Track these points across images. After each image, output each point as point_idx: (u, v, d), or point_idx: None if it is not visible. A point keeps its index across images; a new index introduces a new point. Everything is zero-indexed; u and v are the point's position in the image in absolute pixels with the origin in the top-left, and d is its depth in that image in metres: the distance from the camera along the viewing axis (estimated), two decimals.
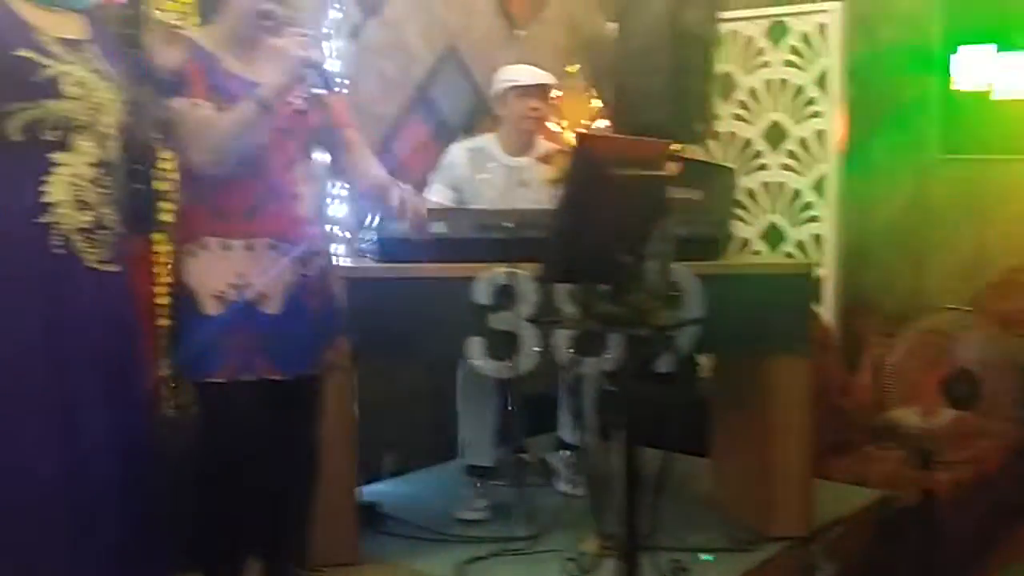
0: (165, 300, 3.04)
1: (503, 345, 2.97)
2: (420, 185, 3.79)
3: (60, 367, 2.11)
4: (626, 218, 2.16)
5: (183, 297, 2.48)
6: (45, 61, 2.07)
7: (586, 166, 2.09)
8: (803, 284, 3.30)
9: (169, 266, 2.78)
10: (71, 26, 2.19)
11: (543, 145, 3.73)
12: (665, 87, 4.09)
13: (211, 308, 2.43)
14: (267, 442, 2.53)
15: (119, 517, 2.20)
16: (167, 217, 3.09)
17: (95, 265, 2.16)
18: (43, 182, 2.08)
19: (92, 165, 2.15)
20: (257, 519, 2.61)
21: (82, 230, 2.13)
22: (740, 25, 4.86)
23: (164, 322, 3.03)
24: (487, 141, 3.70)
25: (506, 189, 3.63)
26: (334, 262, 2.70)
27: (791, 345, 3.17)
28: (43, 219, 2.08)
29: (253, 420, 2.49)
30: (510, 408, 3.75)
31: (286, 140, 2.48)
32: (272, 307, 2.47)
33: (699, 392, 3.72)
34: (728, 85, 4.86)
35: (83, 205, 2.13)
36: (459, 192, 3.61)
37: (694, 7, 4.08)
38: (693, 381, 3.78)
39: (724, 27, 4.50)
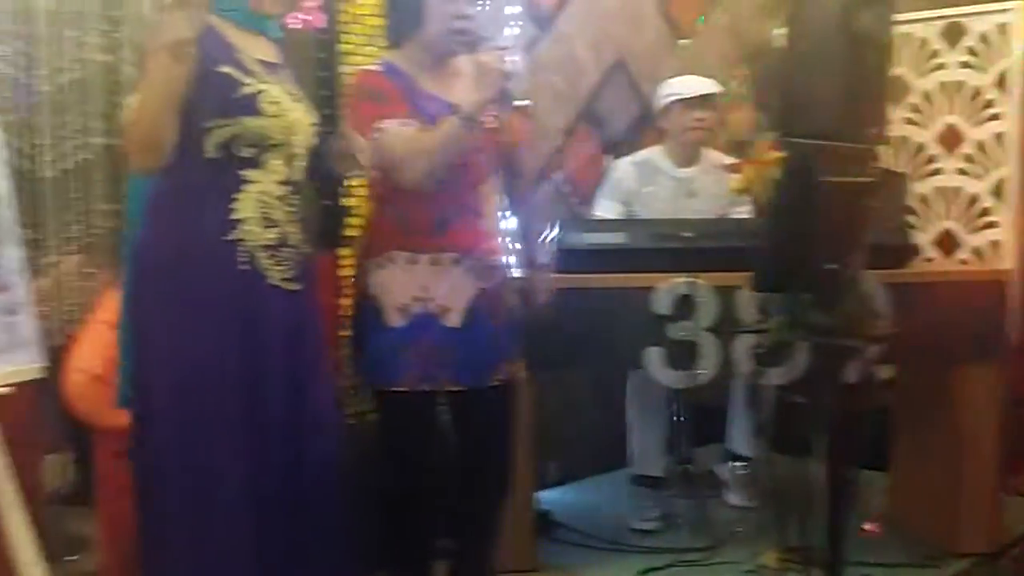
0: (348, 311, 3.17)
1: (682, 355, 2.96)
2: (588, 199, 3.84)
3: (246, 381, 2.15)
4: (834, 225, 2.13)
5: (368, 308, 2.55)
6: (245, 79, 2.12)
7: (797, 173, 2.07)
8: (995, 291, 3.19)
9: (354, 278, 2.86)
10: (266, 50, 2.26)
11: (711, 155, 3.71)
12: (838, 92, 4.00)
13: (395, 320, 2.50)
14: (455, 452, 2.59)
15: (312, 525, 2.27)
16: (352, 232, 3.22)
17: (278, 283, 2.20)
18: (233, 199, 2.13)
19: (280, 183, 2.19)
20: (443, 525, 2.67)
21: (267, 247, 2.17)
22: (914, 27, 4.70)
23: (346, 332, 3.16)
24: (653, 154, 3.70)
25: (674, 201, 3.62)
26: (514, 274, 2.73)
27: (981, 353, 3.07)
28: (231, 236, 2.13)
29: (434, 429, 2.55)
30: (679, 418, 3.74)
31: (477, 156, 2.53)
32: (454, 320, 2.52)
33: (881, 403, 3.62)
34: (900, 89, 4.71)
35: (269, 222, 2.17)
36: (627, 206, 3.62)
37: (869, 10, 3.98)
38: (875, 392, 3.68)
39: (897, 30, 4.36)
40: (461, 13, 2.45)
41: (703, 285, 2.93)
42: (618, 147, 4.14)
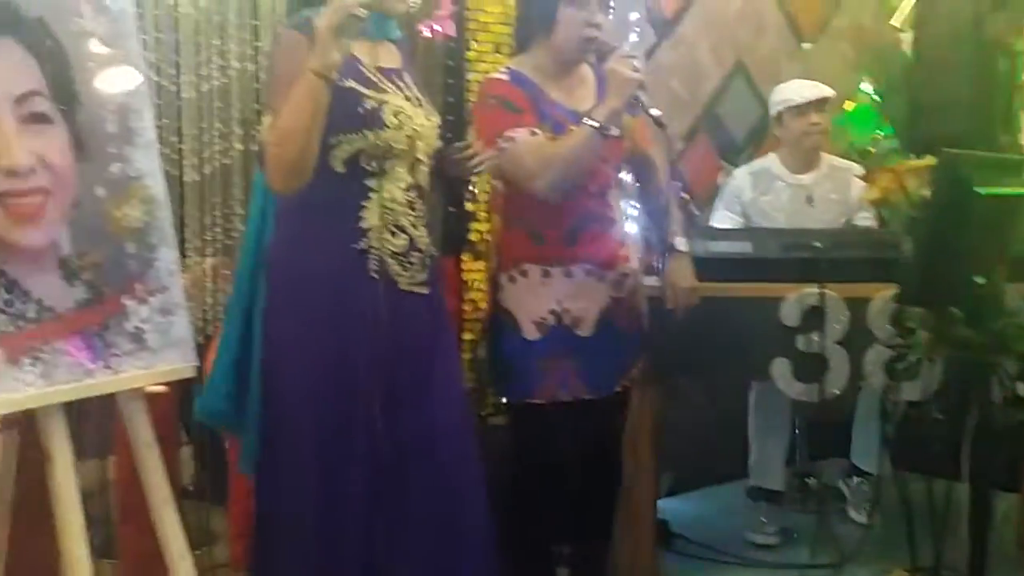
0: (472, 317, 3.20)
1: (810, 367, 2.91)
2: (705, 205, 3.81)
3: (379, 386, 2.16)
4: (985, 238, 2.08)
5: (502, 321, 2.57)
6: (368, 92, 2.13)
7: (949, 184, 2.02)
8: None
9: (486, 290, 2.88)
10: (387, 55, 2.25)
11: (828, 160, 3.63)
12: (968, 98, 3.90)
13: (531, 333, 2.52)
14: (578, 457, 2.59)
15: (445, 527, 2.27)
16: (475, 236, 3.25)
17: (408, 288, 2.21)
18: (361, 208, 2.14)
19: (405, 190, 2.19)
20: (567, 531, 2.68)
21: (396, 254, 2.17)
22: None
23: (468, 337, 3.19)
24: (770, 161, 3.65)
25: (792, 208, 3.57)
26: (641, 281, 2.72)
27: None
28: (360, 245, 2.15)
29: (567, 438, 2.55)
30: (801, 431, 3.68)
31: (603, 165, 2.53)
32: (586, 330, 2.53)
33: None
34: None
35: (396, 229, 2.17)
36: (746, 217, 3.57)
37: (1000, 15, 3.87)
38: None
39: None
40: (592, 21, 2.45)
41: (833, 296, 2.87)
42: (738, 153, 4.10)
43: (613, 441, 2.72)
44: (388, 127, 2.13)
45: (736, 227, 3.54)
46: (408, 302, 2.20)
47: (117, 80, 2.04)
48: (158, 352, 2.03)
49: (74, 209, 1.93)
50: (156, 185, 2.09)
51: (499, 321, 2.59)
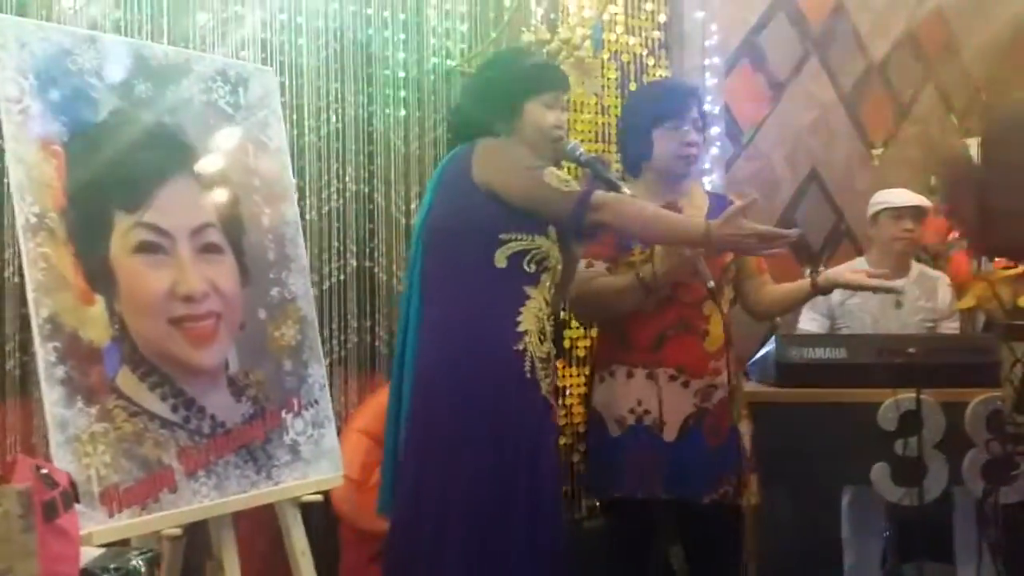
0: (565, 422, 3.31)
1: (908, 471, 2.97)
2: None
3: (515, 482, 2.23)
4: None
5: (593, 419, 2.68)
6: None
7: None
8: None
9: (584, 391, 2.99)
10: None
11: (917, 267, 3.73)
12: None
13: (614, 430, 2.62)
14: (676, 559, 2.66)
15: None
16: (567, 344, 3.39)
17: (545, 394, 2.30)
18: (519, 311, 2.24)
19: (547, 302, 2.31)
20: None
21: (542, 359, 2.28)
22: None
23: (563, 442, 3.29)
24: (858, 264, 3.74)
25: (881, 312, 3.64)
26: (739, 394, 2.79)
27: None
28: (519, 346, 2.24)
29: (651, 535, 2.63)
30: (896, 535, 3.69)
31: (695, 274, 2.61)
32: (669, 434, 2.60)
33: None
34: None
35: (543, 336, 2.29)
36: (832, 319, 3.66)
37: None
38: None
39: None
40: (687, 140, 2.59)
41: (929, 400, 2.95)
42: (813, 257, 4.22)
43: (718, 555, 2.71)
44: (549, 237, 2.25)
45: (823, 330, 3.62)
46: (545, 407, 2.30)
47: (276, 212, 2.21)
48: (311, 463, 2.16)
49: (240, 331, 2.09)
50: (307, 306, 2.25)
51: (591, 421, 2.70)
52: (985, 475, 2.95)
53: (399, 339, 2.35)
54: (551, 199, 2.18)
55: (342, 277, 3.03)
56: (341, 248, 3.03)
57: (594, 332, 3.22)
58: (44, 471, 1.48)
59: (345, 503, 2.80)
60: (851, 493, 3.51)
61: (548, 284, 2.30)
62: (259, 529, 2.40)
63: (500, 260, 2.22)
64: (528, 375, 2.23)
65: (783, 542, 3.81)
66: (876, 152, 4.53)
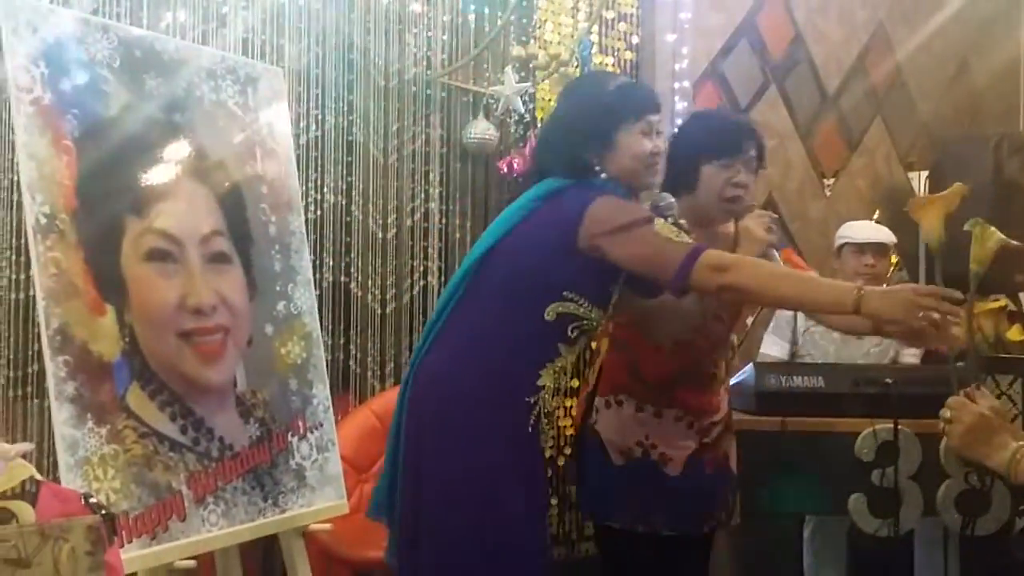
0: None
1: (884, 502, 2.98)
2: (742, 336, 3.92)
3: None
4: None
5: (593, 442, 2.61)
6: None
7: None
8: None
9: (575, 416, 2.92)
10: None
11: None
12: None
13: (616, 460, 2.56)
14: None
15: None
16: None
17: (545, 451, 2.24)
18: (544, 365, 2.16)
19: (572, 365, 2.24)
20: None
21: (547, 414, 2.20)
22: None
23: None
24: None
25: (842, 342, 3.68)
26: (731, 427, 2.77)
27: None
28: (532, 399, 2.16)
29: (644, 568, 2.58)
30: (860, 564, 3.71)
31: (717, 323, 2.57)
32: (673, 470, 2.56)
33: None
34: None
35: (555, 394, 2.21)
36: (795, 345, 3.68)
37: (1016, 158, 4.12)
38: None
39: None
40: (736, 181, 2.45)
41: (906, 431, 2.97)
42: None
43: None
44: (605, 313, 2.20)
45: (784, 354, 3.64)
46: (539, 460, 2.22)
47: (282, 221, 2.09)
48: (316, 489, 2.04)
49: (248, 347, 1.96)
50: (312, 322, 2.13)
51: (590, 443, 2.62)
52: (959, 506, 2.99)
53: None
54: (662, 250, 2.06)
55: (317, 292, 2.89)
56: (317, 262, 2.88)
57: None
58: (93, 500, 1.33)
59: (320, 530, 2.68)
60: (813, 523, 3.52)
61: (580, 350, 2.24)
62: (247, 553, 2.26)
63: (551, 313, 2.12)
64: (530, 429, 2.16)
65: (756, 569, 3.82)
66: (828, 183, 4.60)
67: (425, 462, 2.12)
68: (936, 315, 1.95)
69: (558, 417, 2.35)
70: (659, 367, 2.52)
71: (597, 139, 2.16)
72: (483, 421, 2.12)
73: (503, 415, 2.11)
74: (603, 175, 2.17)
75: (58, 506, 1.29)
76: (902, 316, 1.95)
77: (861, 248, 3.68)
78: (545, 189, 2.17)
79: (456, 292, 2.13)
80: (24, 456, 1.36)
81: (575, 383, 3.12)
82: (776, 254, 2.49)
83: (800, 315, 3.68)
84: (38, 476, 1.35)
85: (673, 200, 2.35)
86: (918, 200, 2.23)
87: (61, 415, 1.63)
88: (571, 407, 3.24)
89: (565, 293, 2.10)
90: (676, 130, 2.71)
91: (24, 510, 1.29)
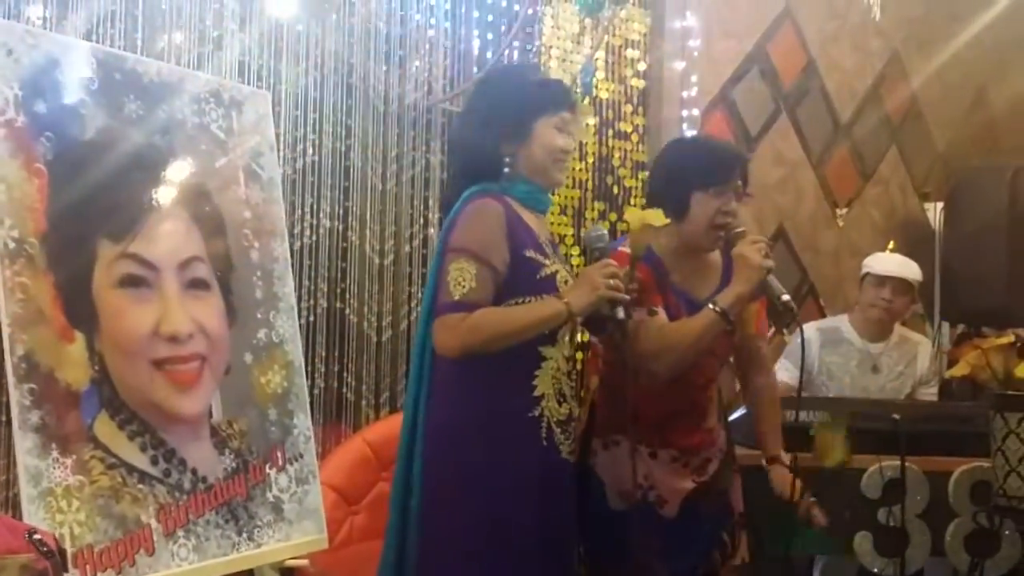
0: None
1: (891, 541, 2.90)
2: None
3: (540, 554, 2.15)
4: None
5: (592, 482, 2.55)
6: (544, 261, 2.15)
7: None
8: None
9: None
10: (544, 227, 2.30)
11: (900, 332, 3.69)
12: (1002, 270, 4.05)
13: (615, 503, 2.49)
14: None
15: None
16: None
17: (567, 456, 2.21)
18: (535, 376, 2.14)
19: (567, 358, 2.21)
20: None
21: (560, 422, 2.19)
22: None
23: None
24: (840, 322, 3.69)
25: (859, 374, 3.60)
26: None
27: None
28: (534, 412, 2.14)
29: None
30: None
31: (711, 358, 2.52)
32: (670, 511, 2.50)
33: None
34: None
35: (561, 397, 2.18)
36: (809, 372, 3.60)
37: None
38: None
39: None
40: (725, 208, 2.40)
41: (914, 469, 2.89)
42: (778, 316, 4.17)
43: None
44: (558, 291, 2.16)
45: (793, 380, 3.55)
46: (565, 470, 2.21)
47: (265, 247, 2.05)
48: (295, 523, 1.99)
49: (225, 376, 1.92)
50: (295, 351, 2.09)
51: (589, 481, 2.56)
52: (968, 547, 2.91)
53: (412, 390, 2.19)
54: (445, 288, 2.08)
55: (311, 318, 2.84)
56: (312, 287, 2.83)
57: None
58: (37, 536, 1.28)
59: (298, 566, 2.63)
60: (823, 561, 3.43)
61: (566, 339, 2.19)
62: None
63: None
64: (544, 442, 2.12)
65: None
66: (841, 212, 4.53)
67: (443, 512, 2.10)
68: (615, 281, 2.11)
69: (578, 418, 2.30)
70: (652, 407, 2.44)
71: (513, 128, 2.16)
72: (497, 452, 2.10)
73: (513, 438, 2.11)
74: (508, 169, 2.15)
75: (5, 539, 1.24)
76: (589, 290, 2.09)
77: (881, 280, 3.60)
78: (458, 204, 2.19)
79: (427, 328, 2.10)
80: None
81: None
82: (774, 283, 2.42)
83: (816, 343, 3.61)
84: None
85: (605, 232, 2.33)
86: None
87: (25, 444, 1.58)
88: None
89: (509, 301, 2.08)
90: (659, 158, 2.65)
91: None
